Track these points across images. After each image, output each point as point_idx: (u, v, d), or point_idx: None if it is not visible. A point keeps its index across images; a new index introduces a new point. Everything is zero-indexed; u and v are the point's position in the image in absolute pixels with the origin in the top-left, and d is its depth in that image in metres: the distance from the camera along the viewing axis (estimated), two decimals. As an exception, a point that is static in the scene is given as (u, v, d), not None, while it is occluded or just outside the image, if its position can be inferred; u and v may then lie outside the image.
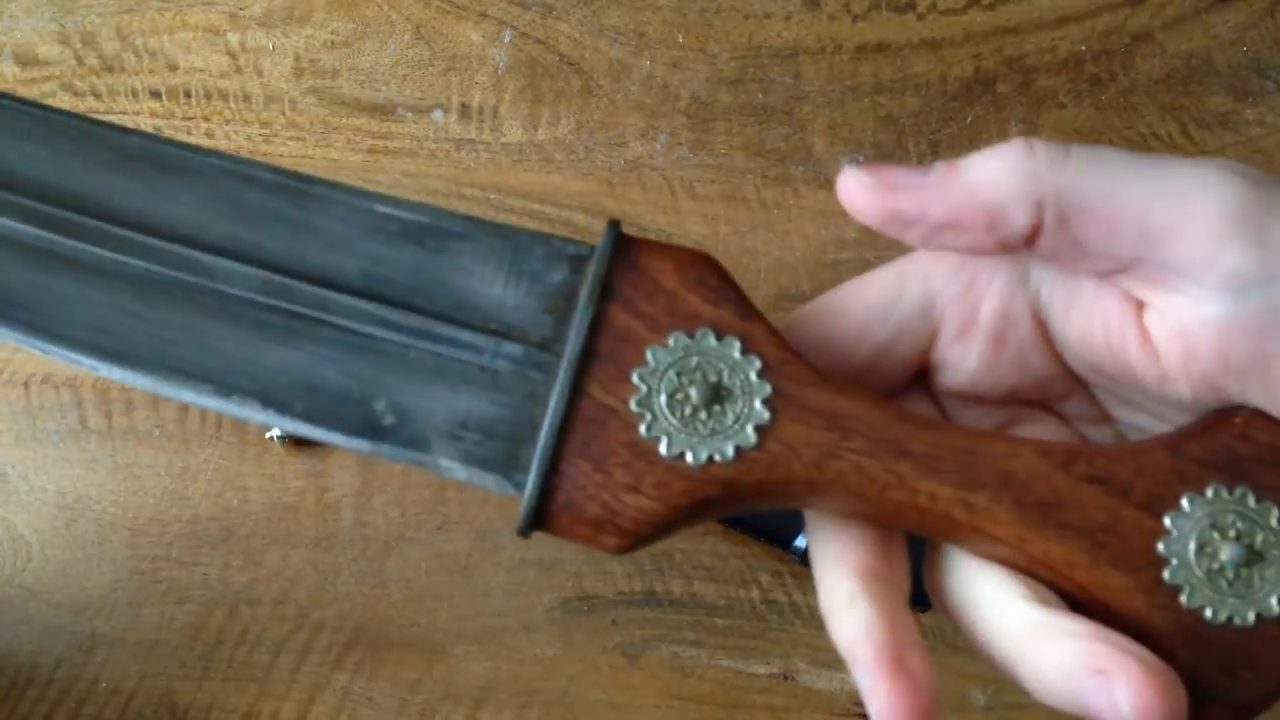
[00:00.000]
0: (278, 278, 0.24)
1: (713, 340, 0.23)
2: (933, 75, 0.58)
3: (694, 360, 0.22)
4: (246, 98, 0.58)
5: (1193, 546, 0.23)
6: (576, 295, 0.23)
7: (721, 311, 0.23)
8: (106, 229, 0.24)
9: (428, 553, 0.52)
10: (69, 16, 0.59)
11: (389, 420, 0.23)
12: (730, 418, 0.23)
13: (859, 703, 0.50)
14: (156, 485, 0.52)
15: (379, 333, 0.23)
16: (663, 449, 0.23)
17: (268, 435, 0.52)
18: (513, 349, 0.23)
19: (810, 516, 0.26)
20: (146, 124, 0.58)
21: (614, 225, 0.24)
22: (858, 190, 0.25)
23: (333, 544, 0.52)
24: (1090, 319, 0.25)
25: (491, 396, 0.23)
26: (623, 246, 0.24)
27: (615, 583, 0.52)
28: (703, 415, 0.23)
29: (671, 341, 0.23)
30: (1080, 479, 0.23)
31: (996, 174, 0.24)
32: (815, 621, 0.51)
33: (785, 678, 0.51)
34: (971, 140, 0.58)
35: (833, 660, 0.51)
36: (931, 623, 0.51)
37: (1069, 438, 0.27)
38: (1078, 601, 0.24)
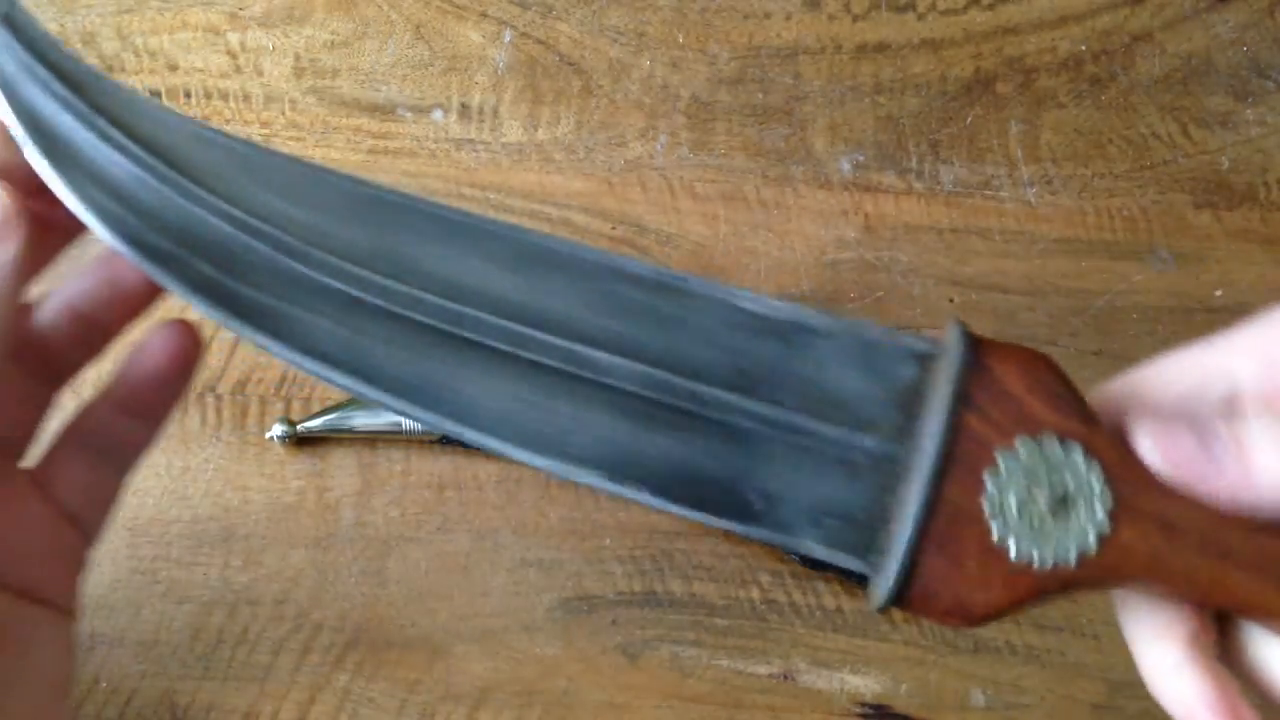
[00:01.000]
0: (657, 372, 0.25)
1: (1057, 446, 0.24)
2: (933, 75, 0.58)
3: (1040, 467, 0.24)
4: (246, 98, 0.58)
5: None
6: (925, 393, 0.25)
7: (1063, 417, 0.24)
8: (506, 325, 0.26)
9: (428, 553, 0.52)
10: (69, 16, 0.59)
11: (759, 506, 0.25)
12: (1074, 523, 0.24)
13: (859, 703, 0.50)
14: (156, 485, 0.52)
15: (747, 424, 0.25)
16: (1012, 552, 0.24)
17: (268, 435, 0.52)
18: (867, 442, 0.25)
19: (1122, 594, 0.27)
20: (146, 124, 0.58)
21: (963, 328, 0.25)
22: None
23: (333, 544, 0.52)
24: None
25: (849, 485, 0.25)
26: (969, 347, 0.25)
27: (615, 583, 0.52)
28: (1049, 521, 0.24)
29: (1019, 447, 0.24)
30: None
31: None
32: (815, 621, 0.51)
33: (785, 678, 0.51)
34: (971, 140, 0.58)
35: (833, 660, 0.51)
36: (931, 623, 0.51)
37: None
38: None
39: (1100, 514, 0.24)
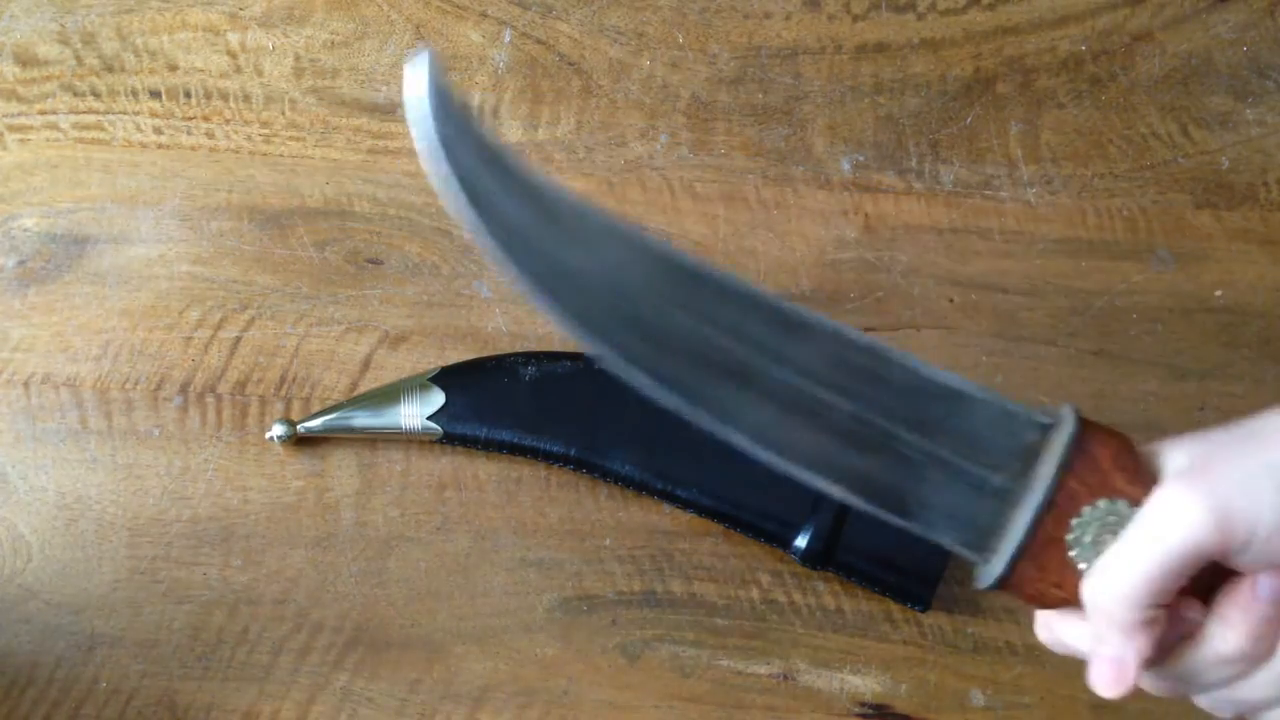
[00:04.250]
0: (865, 414, 0.35)
1: (1126, 507, 0.34)
2: (933, 75, 0.58)
3: (1111, 519, 0.34)
4: (246, 98, 0.58)
5: None
6: (1041, 452, 0.35)
7: (1135, 489, 0.34)
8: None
9: (428, 553, 0.52)
10: (69, 16, 0.59)
11: (913, 507, 0.35)
12: None
13: (859, 703, 0.50)
14: (156, 485, 0.52)
15: (916, 457, 0.35)
16: (1081, 568, 0.34)
17: (268, 435, 0.52)
18: (995, 477, 0.35)
19: None
20: (146, 124, 0.58)
21: (1076, 412, 0.35)
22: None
23: (333, 544, 0.52)
24: None
25: (977, 504, 0.35)
26: (1077, 426, 0.34)
27: (615, 583, 0.52)
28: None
29: (1100, 504, 0.34)
30: None
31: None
32: (815, 621, 0.51)
33: (785, 678, 0.51)
34: (971, 140, 0.58)
35: (833, 660, 0.51)
36: (931, 622, 0.51)
37: None
38: None
39: None
